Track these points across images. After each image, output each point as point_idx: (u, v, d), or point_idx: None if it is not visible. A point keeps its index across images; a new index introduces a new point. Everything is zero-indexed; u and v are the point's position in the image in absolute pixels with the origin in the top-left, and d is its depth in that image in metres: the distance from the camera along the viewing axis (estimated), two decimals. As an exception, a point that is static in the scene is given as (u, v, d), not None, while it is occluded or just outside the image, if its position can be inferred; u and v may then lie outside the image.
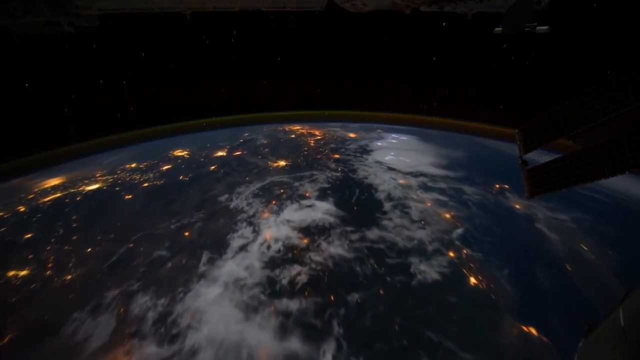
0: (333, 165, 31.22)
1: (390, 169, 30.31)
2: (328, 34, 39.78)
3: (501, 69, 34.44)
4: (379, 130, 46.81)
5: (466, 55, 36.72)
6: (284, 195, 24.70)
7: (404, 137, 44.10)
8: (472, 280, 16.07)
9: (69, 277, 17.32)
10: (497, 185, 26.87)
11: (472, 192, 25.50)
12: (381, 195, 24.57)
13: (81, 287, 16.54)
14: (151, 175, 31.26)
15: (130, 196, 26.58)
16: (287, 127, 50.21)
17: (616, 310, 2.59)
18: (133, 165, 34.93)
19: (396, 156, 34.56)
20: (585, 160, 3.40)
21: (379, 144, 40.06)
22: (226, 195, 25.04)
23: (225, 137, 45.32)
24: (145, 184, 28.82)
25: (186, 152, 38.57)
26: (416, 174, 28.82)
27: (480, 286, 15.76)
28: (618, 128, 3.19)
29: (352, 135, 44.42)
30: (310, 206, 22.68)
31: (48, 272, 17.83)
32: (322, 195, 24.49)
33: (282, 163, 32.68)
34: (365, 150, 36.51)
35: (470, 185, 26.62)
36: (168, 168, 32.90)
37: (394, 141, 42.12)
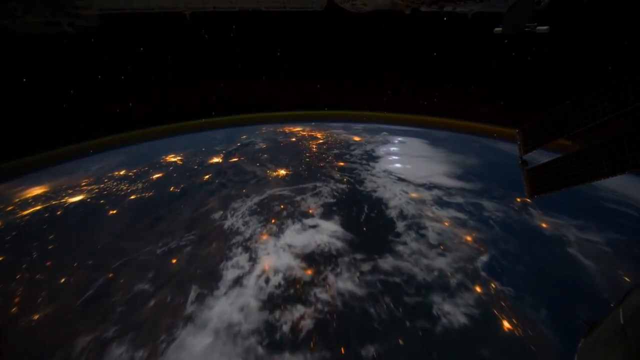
0: (338, 175, 28.70)
1: (401, 179, 27.81)
2: (328, 34, 38.59)
3: (501, 69, 33.66)
4: (384, 133, 44.41)
5: (466, 55, 35.83)
6: (285, 213, 22.21)
7: (410, 141, 41.68)
8: (506, 324, 13.73)
9: (37, 316, 14.96)
10: (519, 199, 24.44)
11: (492, 207, 23.07)
12: (393, 213, 22.10)
13: (49, 330, 14.18)
14: (140, 185, 28.77)
15: (114, 211, 24.12)
16: (287, 129, 47.73)
17: (616, 309, 2.53)
18: (122, 172, 32.46)
19: (405, 164, 32.05)
20: (585, 160, 3.32)
21: (386, 148, 37.57)
22: (220, 212, 22.56)
23: (222, 139, 42.99)
24: (133, 196, 26.33)
25: (179, 158, 36.02)
26: (429, 186, 26.34)
27: (516, 332, 13.42)
28: (618, 128, 3.11)
29: (356, 138, 41.92)
30: (314, 227, 20.21)
31: (14, 309, 15.48)
32: (327, 213, 22.01)
33: (282, 172, 30.14)
34: (371, 157, 33.99)
35: (489, 200, 24.19)
36: (158, 177, 30.38)
37: (401, 145, 39.62)
